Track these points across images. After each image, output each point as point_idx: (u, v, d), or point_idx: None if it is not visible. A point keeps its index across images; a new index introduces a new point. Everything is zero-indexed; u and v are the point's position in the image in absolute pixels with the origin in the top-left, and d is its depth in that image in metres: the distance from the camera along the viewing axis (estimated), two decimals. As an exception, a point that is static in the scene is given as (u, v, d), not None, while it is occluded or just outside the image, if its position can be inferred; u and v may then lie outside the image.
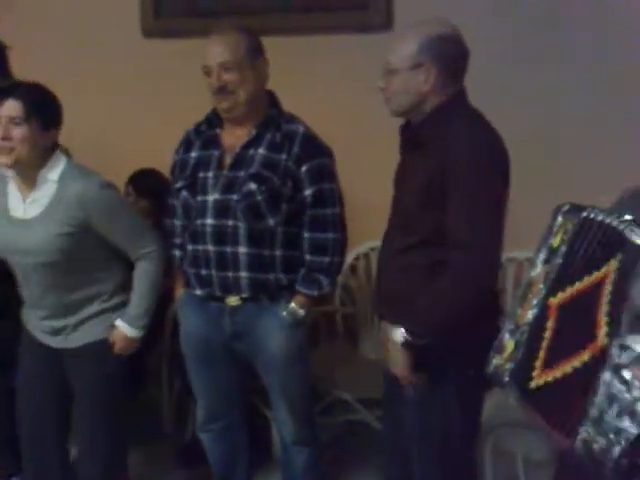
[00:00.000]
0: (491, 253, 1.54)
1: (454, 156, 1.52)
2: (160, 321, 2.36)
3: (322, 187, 1.96)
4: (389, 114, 1.68)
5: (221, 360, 2.08)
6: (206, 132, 2.02)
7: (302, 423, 2.12)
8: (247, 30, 1.96)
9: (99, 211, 1.87)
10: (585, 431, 0.98)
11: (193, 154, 2.02)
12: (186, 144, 2.06)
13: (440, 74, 1.58)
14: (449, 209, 1.53)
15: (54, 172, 1.87)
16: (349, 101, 2.73)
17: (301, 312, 1.99)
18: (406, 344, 1.57)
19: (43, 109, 1.84)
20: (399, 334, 1.57)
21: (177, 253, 2.10)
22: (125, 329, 1.96)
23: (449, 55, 1.59)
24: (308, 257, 1.98)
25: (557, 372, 1.09)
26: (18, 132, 1.79)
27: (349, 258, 2.66)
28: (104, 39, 3.00)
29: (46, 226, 1.85)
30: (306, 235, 1.98)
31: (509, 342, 1.24)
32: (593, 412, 0.97)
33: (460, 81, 1.64)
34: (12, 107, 1.79)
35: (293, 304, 1.98)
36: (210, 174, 1.95)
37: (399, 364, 1.61)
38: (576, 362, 1.04)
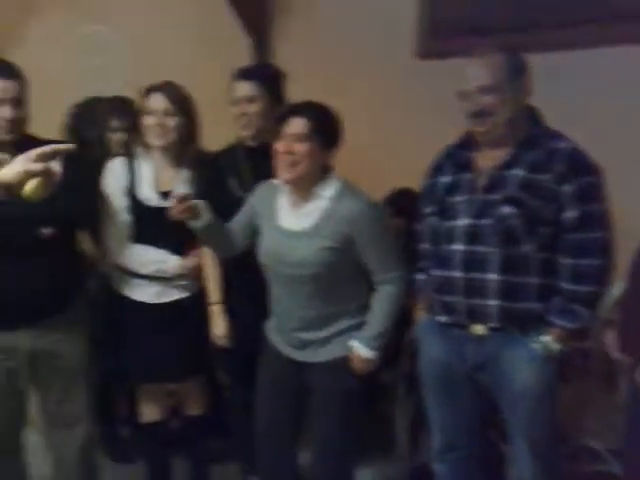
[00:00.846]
0: None
1: None
2: (398, 341, 2.37)
3: (589, 208, 1.79)
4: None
5: (462, 390, 2.01)
6: (459, 155, 1.98)
7: (543, 466, 1.96)
8: (510, 49, 1.89)
9: (365, 230, 1.93)
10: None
11: (444, 178, 1.99)
12: (437, 168, 2.04)
13: None
14: None
15: (329, 189, 1.96)
16: (626, 115, 2.53)
17: (556, 346, 1.84)
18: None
19: (326, 129, 1.94)
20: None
21: (421, 277, 2.08)
22: (361, 350, 1.99)
23: None
24: (565, 285, 1.83)
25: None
26: (302, 148, 1.89)
27: (616, 290, 2.40)
28: (376, 59, 3.07)
29: (315, 240, 1.93)
30: (565, 261, 1.83)
31: None
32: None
33: None
34: (298, 124, 1.90)
35: (547, 337, 1.85)
36: (461, 198, 1.91)
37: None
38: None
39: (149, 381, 2.44)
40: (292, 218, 2.00)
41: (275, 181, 2.05)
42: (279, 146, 1.92)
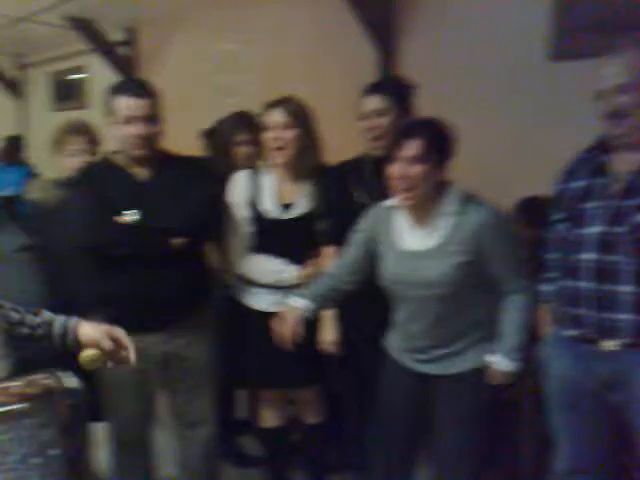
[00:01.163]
0: None
1: None
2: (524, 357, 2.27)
3: None
4: None
5: (590, 410, 1.89)
6: (593, 159, 1.88)
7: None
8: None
9: (493, 238, 1.89)
10: None
11: (576, 183, 1.89)
12: (570, 172, 1.95)
13: None
14: None
15: (450, 204, 1.92)
16: None
17: None
18: None
19: (440, 146, 1.90)
20: None
21: (548, 288, 1.99)
22: (500, 363, 1.94)
23: None
24: None
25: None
26: (417, 170, 1.85)
27: None
28: (508, 65, 2.98)
29: (443, 257, 1.89)
30: None
31: None
32: None
33: None
34: (412, 147, 1.86)
35: None
36: (595, 204, 1.80)
37: None
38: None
39: (267, 387, 2.49)
40: (414, 239, 1.97)
41: (386, 203, 2.04)
42: (394, 171, 1.89)
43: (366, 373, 2.32)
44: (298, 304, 2.08)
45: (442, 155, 1.90)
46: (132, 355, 1.48)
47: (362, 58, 3.22)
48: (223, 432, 2.53)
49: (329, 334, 2.35)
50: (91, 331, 1.46)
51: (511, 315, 1.95)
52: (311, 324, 2.34)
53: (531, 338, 2.19)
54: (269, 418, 2.56)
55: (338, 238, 2.25)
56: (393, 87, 2.40)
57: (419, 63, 3.11)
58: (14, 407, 0.53)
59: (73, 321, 1.49)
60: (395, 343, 2.12)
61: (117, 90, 2.20)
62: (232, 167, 2.67)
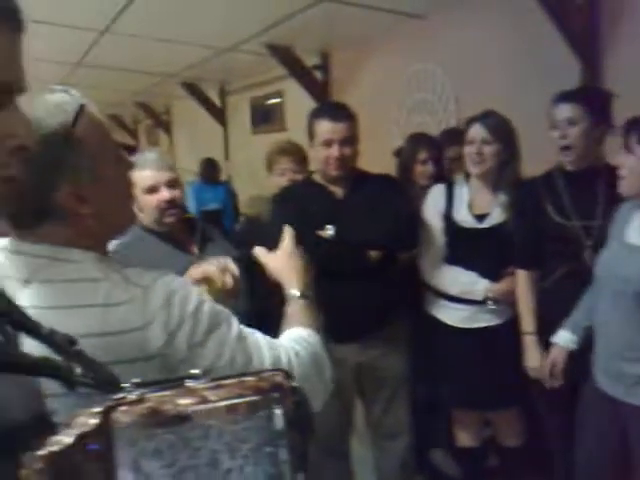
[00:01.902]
0: None
1: None
2: None
3: None
4: None
5: None
6: None
7: None
8: None
9: None
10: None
11: None
12: None
13: None
14: None
15: None
16: None
17: None
18: None
19: None
20: None
21: None
22: None
23: None
24: None
25: None
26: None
27: None
28: None
29: None
30: None
31: None
32: None
33: None
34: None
35: None
36: None
37: None
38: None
39: (462, 407, 2.47)
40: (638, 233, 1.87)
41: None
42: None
43: (567, 391, 2.20)
44: (562, 339, 2.08)
45: None
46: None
47: (564, 71, 3.09)
48: (420, 448, 2.54)
49: (533, 359, 2.26)
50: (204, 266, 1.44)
51: None
52: (510, 344, 2.30)
53: None
54: (464, 438, 2.53)
55: (529, 255, 2.22)
56: (584, 96, 2.30)
57: (625, 75, 2.91)
58: (249, 399, 0.59)
59: None
60: (595, 362, 2.00)
61: (317, 114, 2.34)
62: (413, 185, 2.74)
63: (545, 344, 2.21)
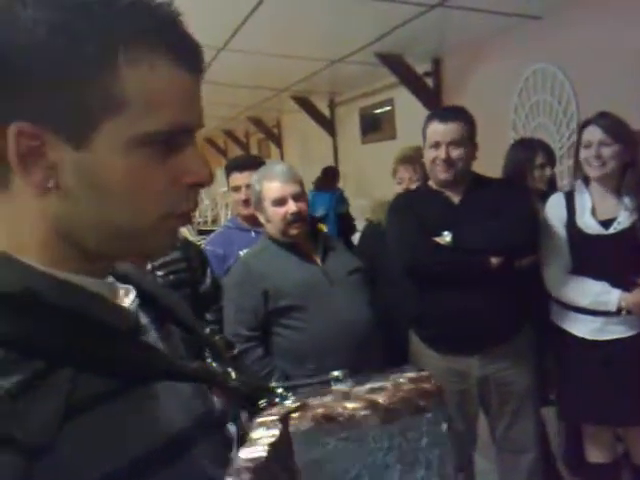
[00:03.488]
0: None
1: None
2: None
3: None
4: None
5: None
6: None
7: None
8: None
9: None
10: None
11: None
12: None
13: None
14: None
15: None
16: None
17: None
18: None
19: None
20: None
21: None
22: None
23: None
24: None
25: None
26: None
27: None
28: None
29: None
30: None
31: None
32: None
33: None
34: None
35: None
36: None
37: None
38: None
39: (591, 421, 2.35)
40: None
41: None
42: None
43: None
44: None
45: None
46: None
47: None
48: (548, 463, 2.44)
49: None
50: None
51: None
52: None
53: None
54: (594, 453, 2.40)
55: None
56: None
57: None
58: (417, 402, 0.59)
59: None
60: None
61: (430, 117, 2.33)
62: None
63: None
